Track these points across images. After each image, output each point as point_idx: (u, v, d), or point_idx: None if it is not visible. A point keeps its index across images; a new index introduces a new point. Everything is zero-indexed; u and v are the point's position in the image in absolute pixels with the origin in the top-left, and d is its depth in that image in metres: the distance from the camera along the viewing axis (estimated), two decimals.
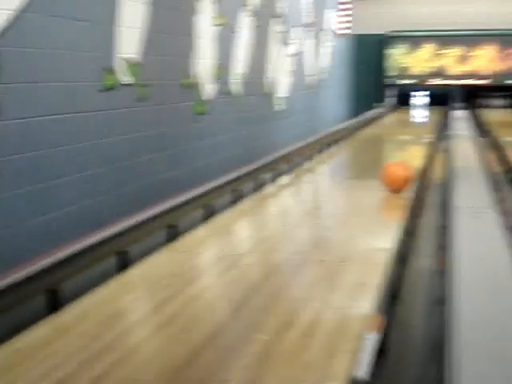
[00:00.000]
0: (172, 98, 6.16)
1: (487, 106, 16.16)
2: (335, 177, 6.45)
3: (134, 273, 3.26)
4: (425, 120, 14.30)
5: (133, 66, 5.31)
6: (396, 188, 5.02)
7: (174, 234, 3.88)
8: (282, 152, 6.63)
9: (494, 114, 15.17)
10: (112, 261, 3.28)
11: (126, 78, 5.19)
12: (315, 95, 12.50)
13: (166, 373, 2.17)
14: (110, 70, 4.95)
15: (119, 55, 5.07)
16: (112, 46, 4.98)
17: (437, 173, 7.01)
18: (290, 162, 6.62)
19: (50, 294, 2.84)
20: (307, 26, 11.71)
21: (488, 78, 15.88)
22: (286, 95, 10.26)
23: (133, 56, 5.31)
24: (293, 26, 10.69)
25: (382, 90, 16.51)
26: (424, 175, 6.15)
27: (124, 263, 3.30)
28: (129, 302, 2.85)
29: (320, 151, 7.91)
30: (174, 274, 3.21)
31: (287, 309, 2.70)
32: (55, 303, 2.77)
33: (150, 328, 2.55)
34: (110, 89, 4.94)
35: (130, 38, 5.29)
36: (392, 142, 9.09)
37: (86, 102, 4.62)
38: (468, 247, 3.56)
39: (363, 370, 1.89)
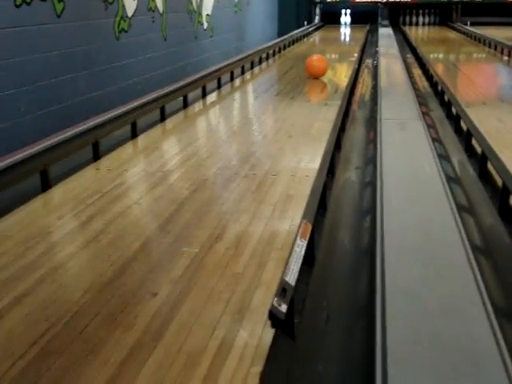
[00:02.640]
0: (93, 14, 5.90)
1: (412, 24, 16.26)
2: (262, 94, 6.38)
3: (59, 191, 3.17)
4: (352, 38, 14.27)
5: None
6: (314, 74, 6.83)
7: (99, 152, 3.77)
8: (209, 70, 6.49)
9: (419, 31, 15.29)
10: (35, 179, 3.17)
11: None
12: (242, 13, 12.24)
13: (93, 288, 2.13)
14: None
15: None
16: None
17: (363, 89, 7.03)
18: (217, 80, 6.50)
19: None
20: None
21: None
22: (211, 13, 10.01)
23: None
24: None
25: (309, 8, 16.32)
26: (350, 91, 6.15)
27: (48, 182, 3.19)
28: (53, 220, 2.77)
29: (247, 69, 7.80)
30: (99, 191, 3.13)
31: (216, 222, 2.68)
32: None
33: (76, 245, 2.49)
34: (26, 3, 4.68)
35: None
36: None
37: (1, 17, 4.37)
38: (395, 157, 3.60)
39: (292, 276, 1.89)
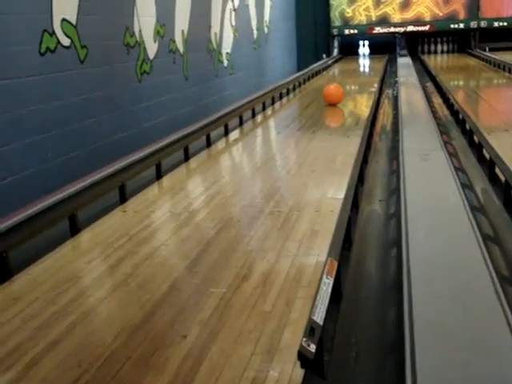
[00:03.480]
0: (115, 58, 6.03)
1: (430, 52, 16.32)
2: (284, 129, 6.44)
3: (87, 236, 3.22)
4: (371, 68, 14.36)
5: (72, 27, 5.16)
6: (331, 101, 7.42)
7: (125, 194, 3.83)
8: (231, 107, 6.58)
9: (437, 59, 15.34)
10: (64, 225, 3.23)
11: (65, 39, 5.05)
12: (261, 49, 12.40)
13: (124, 332, 2.16)
14: (50, 32, 4.80)
15: (58, 16, 4.91)
16: (50, 6, 4.83)
17: (384, 119, 7.07)
18: (239, 117, 6.58)
19: (0, 261, 2.79)
20: None
21: (429, 24, 15.98)
22: (231, 51, 10.16)
23: (71, 16, 5.15)
24: None
25: (327, 41, 16.47)
26: (371, 122, 6.19)
27: (76, 226, 3.25)
28: (82, 265, 2.82)
29: (268, 105, 7.88)
30: (127, 234, 3.18)
31: (242, 261, 2.71)
32: (5, 270, 2.72)
33: (106, 289, 2.53)
34: (50, 51, 4.81)
35: None
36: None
37: (27, 65, 4.49)
38: (418, 188, 3.61)
39: (319, 315, 1.91)
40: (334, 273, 2.24)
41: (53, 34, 4.86)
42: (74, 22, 5.20)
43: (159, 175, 4.38)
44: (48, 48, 4.77)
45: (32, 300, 2.46)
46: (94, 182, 3.59)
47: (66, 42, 5.07)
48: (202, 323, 2.18)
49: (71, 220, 3.23)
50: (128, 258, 2.84)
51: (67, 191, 3.33)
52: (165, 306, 2.35)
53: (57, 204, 3.17)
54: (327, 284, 2.12)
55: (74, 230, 3.23)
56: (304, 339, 1.74)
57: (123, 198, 3.80)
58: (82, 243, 3.16)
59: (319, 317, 1.91)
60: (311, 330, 1.80)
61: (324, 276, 2.16)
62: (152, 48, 6.92)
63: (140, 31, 6.56)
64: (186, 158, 4.94)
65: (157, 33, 7.04)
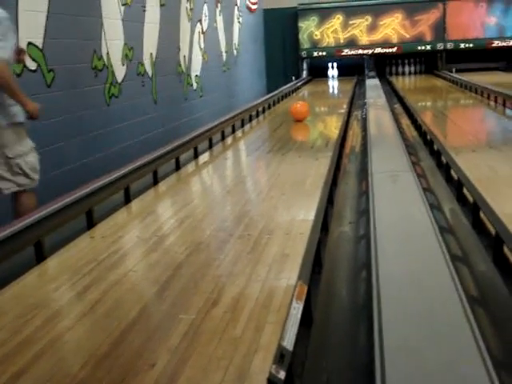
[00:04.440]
0: (83, 82, 6.00)
1: (398, 73, 16.55)
2: (254, 151, 6.45)
3: (53, 262, 3.17)
4: (340, 90, 14.50)
5: (37, 51, 5.13)
6: (297, 117, 8.14)
7: (93, 219, 3.79)
8: (200, 130, 6.57)
9: (405, 81, 15.55)
10: (29, 251, 3.18)
11: (31, 63, 5.01)
12: (230, 72, 12.45)
13: (91, 361, 2.12)
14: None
15: (24, 39, 4.88)
16: (16, 30, 4.79)
17: (353, 141, 7.12)
18: (209, 140, 6.57)
19: None
20: (218, 1, 11.61)
21: (397, 46, 16.21)
22: (201, 73, 10.18)
23: (37, 40, 5.12)
24: (204, 3, 10.58)
25: (297, 64, 16.61)
26: (340, 144, 6.23)
27: (42, 253, 3.19)
28: (48, 292, 2.77)
29: (238, 127, 7.89)
30: (94, 260, 3.14)
31: (212, 286, 2.68)
32: None
33: (73, 317, 2.49)
34: (16, 75, 4.76)
35: (33, 22, 5.10)
36: (309, 114, 9.16)
37: None
38: (388, 210, 3.62)
39: (289, 340, 1.89)
40: (304, 297, 2.22)
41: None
42: (40, 46, 5.17)
43: (128, 199, 4.34)
44: (14, 71, 4.73)
45: None
46: (61, 207, 3.54)
47: (32, 65, 5.04)
48: (171, 351, 2.15)
49: (37, 246, 3.18)
50: (96, 285, 2.80)
51: (33, 217, 3.28)
52: (133, 333, 2.31)
53: (22, 230, 3.11)
54: (297, 309, 2.10)
55: (41, 256, 3.18)
56: (273, 366, 1.72)
57: (91, 223, 3.75)
58: (49, 270, 3.11)
59: (289, 342, 1.89)
60: (281, 356, 1.78)
61: (294, 300, 2.14)
62: (120, 71, 6.90)
63: (108, 54, 6.54)
64: (155, 181, 4.91)
65: (125, 56, 7.03)
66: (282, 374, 1.69)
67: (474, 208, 3.68)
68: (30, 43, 4.99)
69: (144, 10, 7.68)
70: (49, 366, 2.12)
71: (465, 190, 4.12)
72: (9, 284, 2.85)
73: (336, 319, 2.57)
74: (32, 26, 5.08)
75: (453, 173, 4.64)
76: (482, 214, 3.56)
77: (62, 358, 2.20)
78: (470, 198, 3.88)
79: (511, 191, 3.89)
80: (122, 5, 7.01)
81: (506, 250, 2.96)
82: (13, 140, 3.81)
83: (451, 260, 2.78)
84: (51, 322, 2.46)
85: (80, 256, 3.23)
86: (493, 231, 3.19)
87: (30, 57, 5.00)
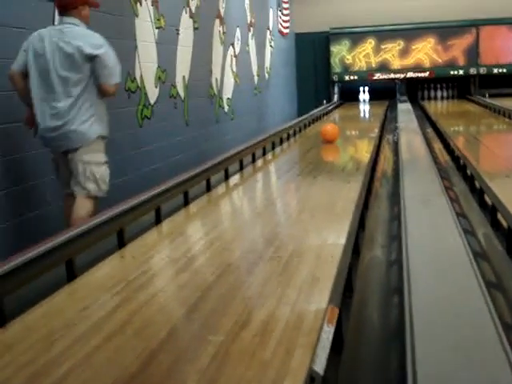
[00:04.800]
0: (116, 103, 6.06)
1: (430, 98, 16.48)
2: (285, 174, 6.44)
3: (84, 281, 3.18)
4: (371, 114, 14.47)
5: None
6: (328, 139, 8.24)
7: (124, 239, 3.80)
8: (231, 152, 6.58)
9: (438, 105, 15.46)
10: (61, 270, 3.19)
11: None
12: (262, 95, 12.51)
13: (120, 381, 2.10)
14: None
15: None
16: None
17: (385, 165, 7.08)
18: (239, 162, 6.58)
19: None
20: (251, 25, 11.71)
21: (429, 71, 16.16)
22: (232, 96, 10.24)
23: None
24: (237, 26, 10.67)
25: (328, 87, 16.64)
26: (372, 168, 6.19)
27: (73, 272, 3.20)
28: (78, 311, 2.77)
29: (269, 150, 7.90)
30: (124, 279, 3.13)
31: (242, 308, 2.66)
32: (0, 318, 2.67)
33: (101, 337, 2.48)
34: None
35: None
36: (340, 137, 9.14)
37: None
38: (420, 234, 3.58)
39: (320, 364, 1.86)
40: (335, 321, 2.19)
41: None
42: None
43: (158, 220, 4.35)
44: None
45: (26, 348, 2.41)
46: (93, 227, 3.56)
47: None
48: (200, 372, 2.12)
49: (68, 265, 3.19)
50: (125, 305, 2.79)
51: (65, 236, 3.30)
52: (162, 354, 2.30)
53: (54, 249, 3.13)
54: (328, 332, 2.07)
55: (71, 275, 3.19)
56: None
57: (121, 243, 3.76)
58: (79, 289, 3.12)
59: (320, 366, 1.86)
60: (311, 379, 1.75)
61: (325, 324, 2.11)
62: (153, 93, 6.96)
63: (141, 76, 6.61)
64: (186, 202, 4.91)
65: (158, 78, 7.09)
66: None
67: (508, 233, 3.62)
68: None
69: (178, 33, 7.76)
70: None
71: (499, 215, 4.06)
72: (39, 302, 2.85)
73: (367, 345, 2.53)
74: None
75: (486, 198, 4.57)
76: None
77: (89, 378, 2.19)
78: (505, 224, 3.81)
79: None
80: (156, 28, 7.09)
81: None
82: (95, 149, 4.35)
83: (485, 286, 2.72)
84: (80, 341, 2.46)
85: (110, 275, 3.23)
86: None
87: None
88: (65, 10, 4.28)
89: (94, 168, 4.35)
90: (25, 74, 4.21)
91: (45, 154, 4.57)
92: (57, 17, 4.69)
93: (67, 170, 4.37)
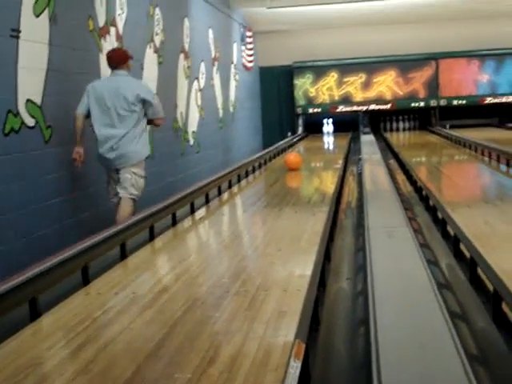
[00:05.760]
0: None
1: (392, 130, 16.75)
2: (251, 207, 6.45)
3: (48, 319, 3.13)
4: (335, 146, 14.62)
5: (36, 108, 5.17)
6: (291, 167, 8.96)
7: (88, 276, 3.76)
8: (196, 185, 6.59)
9: (400, 137, 15.71)
10: (24, 309, 3.14)
11: (30, 119, 5.06)
12: (227, 128, 12.58)
13: None
14: (15, 113, 4.81)
15: (22, 97, 4.93)
16: (15, 87, 4.86)
17: (349, 196, 7.14)
18: (205, 195, 6.58)
19: None
20: (215, 60, 11.81)
21: (391, 103, 16.44)
22: (197, 129, 10.27)
23: (35, 97, 5.18)
24: (201, 61, 10.75)
25: (293, 120, 16.81)
26: (336, 199, 6.24)
27: (37, 310, 3.15)
28: (42, 351, 2.72)
29: (235, 182, 7.92)
30: (90, 317, 3.10)
31: (208, 344, 2.64)
32: None
33: (66, 377, 2.44)
34: (15, 132, 4.80)
35: (32, 79, 5.16)
36: (304, 169, 9.21)
37: None
38: (384, 265, 3.61)
39: None
40: (302, 355, 2.19)
41: (17, 114, 4.87)
42: (39, 103, 5.23)
43: (124, 255, 4.32)
44: (12, 128, 4.78)
45: None
46: (56, 264, 3.52)
47: (31, 122, 5.08)
48: None
49: (31, 304, 3.14)
50: (90, 343, 2.76)
51: (28, 273, 3.25)
52: None
53: (17, 287, 3.08)
54: (295, 367, 2.07)
55: (35, 313, 3.14)
56: None
57: (86, 280, 3.73)
58: (43, 328, 3.07)
59: None
60: None
61: (292, 359, 2.11)
62: None
63: None
64: (152, 237, 4.89)
65: None
66: None
67: (471, 263, 3.67)
68: (28, 100, 5.04)
69: (142, 68, 7.79)
70: None
71: (461, 246, 4.12)
72: (2, 342, 2.80)
73: (335, 378, 2.53)
74: (30, 83, 5.15)
75: (449, 228, 4.64)
76: (479, 270, 3.55)
77: None
78: (467, 254, 3.87)
79: (508, 246, 3.88)
80: None
81: (504, 306, 2.94)
82: (140, 166, 5.84)
83: (450, 316, 2.76)
84: (44, 381, 2.42)
85: (75, 313, 3.19)
86: (491, 287, 3.18)
87: (29, 113, 5.04)
88: (117, 65, 5.70)
89: (137, 178, 5.73)
90: (86, 116, 5.60)
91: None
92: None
93: (116, 180, 5.72)
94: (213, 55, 11.67)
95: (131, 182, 5.67)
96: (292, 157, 9.57)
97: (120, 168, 5.67)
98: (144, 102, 5.64)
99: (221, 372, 2.36)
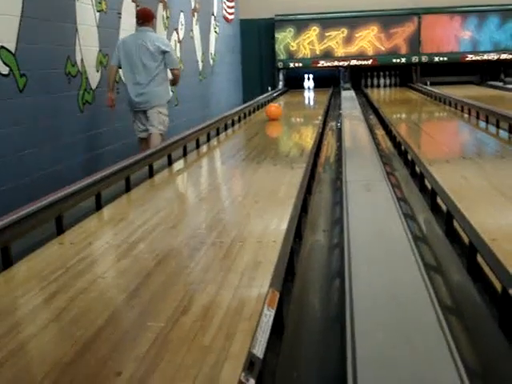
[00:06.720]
0: (56, 88, 5.92)
1: (373, 86, 16.66)
2: (229, 159, 6.41)
3: (21, 268, 3.09)
4: (315, 101, 14.54)
5: (10, 55, 5.04)
6: (272, 117, 9.44)
7: (62, 226, 3.71)
8: (174, 138, 6.51)
9: (380, 93, 15.64)
10: None
11: (4, 67, 4.93)
12: (206, 81, 12.42)
13: (56, 369, 2.05)
14: None
15: None
16: None
17: (328, 151, 7.11)
18: (183, 148, 6.52)
19: None
20: (195, 11, 11.59)
21: (372, 59, 16.32)
22: None
23: (9, 44, 5.04)
24: (181, 11, 10.55)
25: (273, 74, 16.64)
26: (315, 154, 6.21)
27: (9, 259, 3.11)
28: (14, 299, 2.69)
29: (213, 136, 7.85)
30: (63, 266, 3.06)
31: (182, 294, 2.62)
32: None
33: (38, 325, 2.41)
34: None
35: (5, 26, 5.02)
36: (284, 124, 9.16)
37: None
38: (361, 218, 3.60)
39: (259, 348, 1.84)
40: (276, 304, 2.18)
41: None
42: (13, 50, 5.09)
43: (99, 206, 4.27)
44: None
45: None
46: (30, 213, 3.46)
47: (4, 70, 4.96)
48: (139, 359, 2.09)
49: (4, 252, 3.10)
50: (63, 292, 2.73)
51: (1, 222, 3.20)
52: (99, 341, 2.25)
53: None
54: (268, 316, 2.06)
55: (8, 262, 3.10)
56: (243, 374, 1.67)
57: (60, 230, 3.68)
58: (15, 276, 3.03)
59: (259, 350, 1.84)
60: (250, 363, 1.73)
61: (265, 307, 2.09)
62: (94, 78, 6.83)
63: (82, 60, 6.47)
64: (128, 188, 4.84)
65: (99, 62, 6.96)
66: (251, 382, 1.64)
67: (447, 217, 3.67)
68: (2, 47, 4.90)
69: (120, 17, 7.62)
70: (11, 375, 2.05)
71: (438, 200, 4.12)
72: None
73: (308, 328, 2.53)
74: (4, 30, 5.00)
75: (427, 183, 4.64)
76: (455, 223, 3.55)
77: (25, 366, 2.13)
78: (444, 208, 3.87)
79: (484, 200, 3.89)
80: (98, 11, 6.94)
81: (479, 258, 2.95)
82: (164, 106, 7.04)
83: (425, 269, 2.76)
84: (15, 329, 2.39)
85: (48, 262, 3.15)
86: (466, 240, 3.18)
87: (3, 61, 4.91)
88: (143, 22, 6.85)
89: (163, 117, 6.94)
90: (118, 67, 6.79)
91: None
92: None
93: (144, 119, 6.89)
94: (192, 6, 11.45)
95: (158, 120, 6.86)
96: (273, 108, 9.98)
97: (147, 109, 6.81)
98: (164, 53, 6.70)
99: (194, 321, 2.34)
